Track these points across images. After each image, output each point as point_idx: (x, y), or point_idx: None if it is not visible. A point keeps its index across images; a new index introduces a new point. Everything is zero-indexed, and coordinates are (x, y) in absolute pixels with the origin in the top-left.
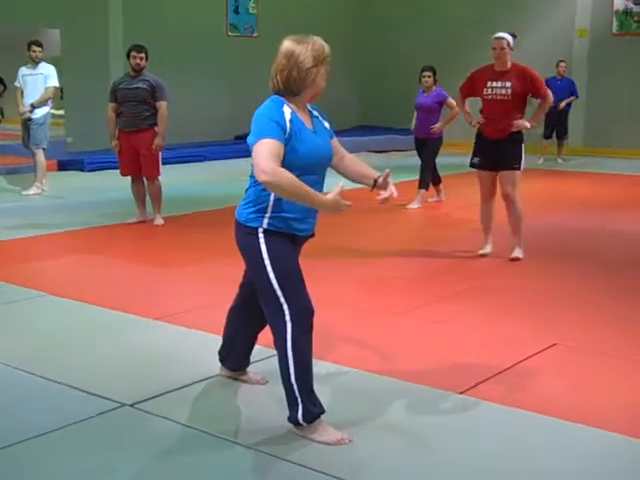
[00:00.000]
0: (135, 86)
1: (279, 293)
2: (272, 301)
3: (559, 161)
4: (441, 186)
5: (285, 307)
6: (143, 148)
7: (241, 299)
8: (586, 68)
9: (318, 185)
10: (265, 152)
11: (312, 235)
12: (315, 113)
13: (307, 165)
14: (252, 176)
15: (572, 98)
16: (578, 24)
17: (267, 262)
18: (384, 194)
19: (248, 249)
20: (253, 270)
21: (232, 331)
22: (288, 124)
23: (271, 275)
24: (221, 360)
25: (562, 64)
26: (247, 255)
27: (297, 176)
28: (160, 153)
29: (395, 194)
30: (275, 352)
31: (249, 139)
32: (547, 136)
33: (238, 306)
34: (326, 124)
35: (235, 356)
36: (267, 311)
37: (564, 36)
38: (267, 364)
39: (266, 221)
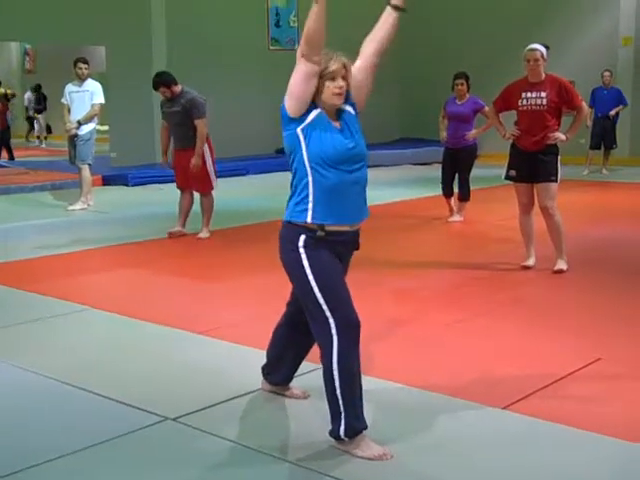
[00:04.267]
0: (173, 110)
1: (324, 306)
2: (317, 314)
3: (604, 172)
4: (466, 204)
5: (331, 320)
6: (190, 167)
7: (287, 318)
8: (631, 76)
9: (358, 186)
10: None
11: (356, 247)
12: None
13: (334, 158)
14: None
15: (621, 107)
16: (622, 32)
17: (309, 272)
18: None
19: (290, 264)
20: (295, 284)
21: (278, 351)
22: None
23: (314, 285)
24: (264, 375)
25: (606, 73)
26: (289, 270)
27: (329, 166)
28: (211, 168)
29: None
30: (316, 366)
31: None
32: (594, 147)
33: (284, 325)
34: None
35: (280, 374)
36: (313, 325)
37: (609, 45)
38: (309, 378)
39: (303, 237)
